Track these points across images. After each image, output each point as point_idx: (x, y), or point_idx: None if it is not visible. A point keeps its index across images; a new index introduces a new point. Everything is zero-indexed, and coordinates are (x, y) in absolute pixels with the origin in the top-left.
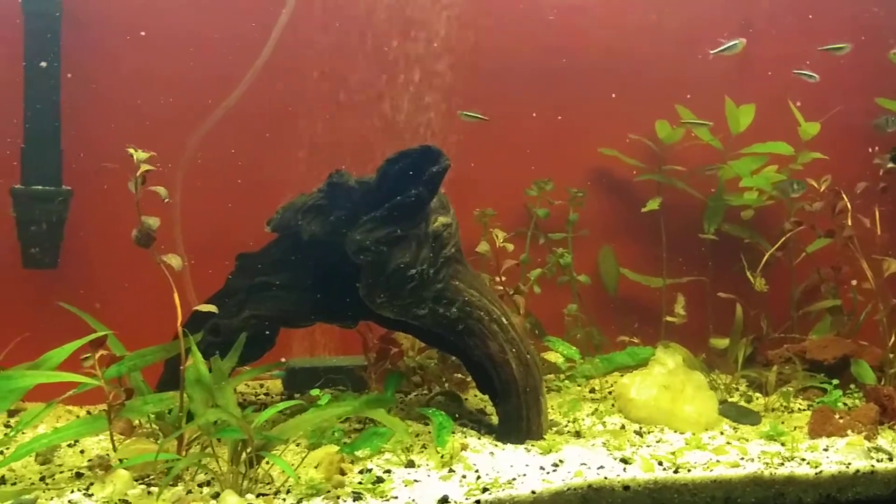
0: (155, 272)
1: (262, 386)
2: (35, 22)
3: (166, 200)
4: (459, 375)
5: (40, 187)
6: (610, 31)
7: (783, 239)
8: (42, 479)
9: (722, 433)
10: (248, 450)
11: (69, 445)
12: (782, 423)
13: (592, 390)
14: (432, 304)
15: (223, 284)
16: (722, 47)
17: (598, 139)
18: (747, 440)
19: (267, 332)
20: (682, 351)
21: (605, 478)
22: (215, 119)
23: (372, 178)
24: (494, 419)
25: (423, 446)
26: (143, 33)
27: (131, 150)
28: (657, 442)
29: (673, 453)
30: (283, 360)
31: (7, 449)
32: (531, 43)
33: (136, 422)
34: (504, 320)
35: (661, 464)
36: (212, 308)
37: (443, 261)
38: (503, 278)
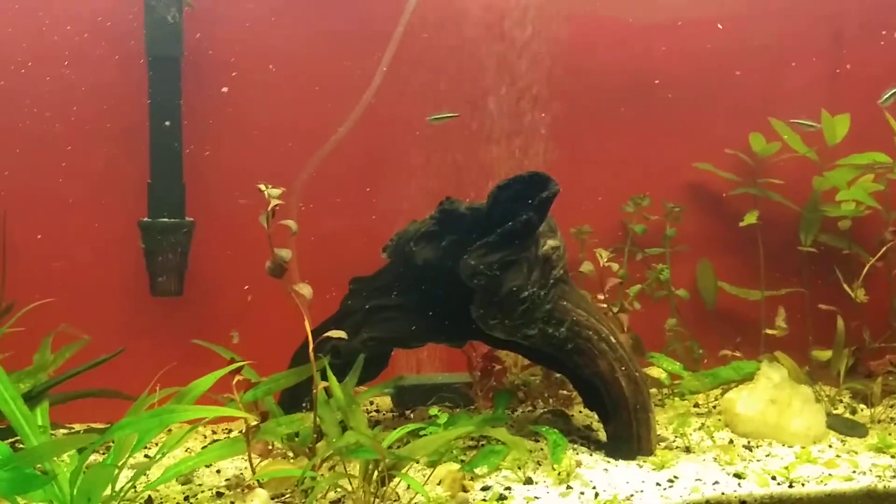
0: (273, 297)
1: (371, 403)
2: (159, 65)
3: (294, 233)
4: (564, 392)
5: (166, 219)
6: (703, 47)
7: (884, 249)
8: (186, 498)
9: (830, 446)
10: (380, 469)
11: (206, 465)
12: (889, 434)
13: (696, 405)
14: (542, 324)
15: (339, 307)
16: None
17: (692, 154)
18: (857, 453)
19: (382, 353)
20: (788, 363)
21: (723, 493)
22: (325, 151)
23: (482, 205)
24: (602, 435)
25: (538, 463)
26: (270, 69)
27: (262, 187)
28: (767, 456)
29: (786, 468)
30: (401, 377)
31: (150, 470)
32: (626, 60)
33: (270, 443)
34: (612, 339)
35: (774, 478)
36: (341, 334)
37: (552, 282)
38: (606, 296)
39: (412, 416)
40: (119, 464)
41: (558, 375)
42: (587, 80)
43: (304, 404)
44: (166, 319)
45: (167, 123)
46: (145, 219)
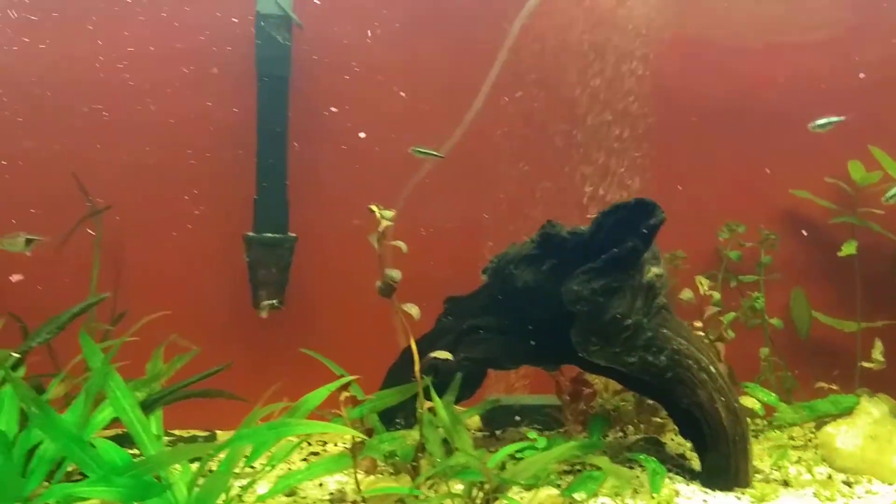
0: (370, 313)
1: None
2: (267, 85)
3: (404, 252)
4: (657, 419)
5: (270, 235)
6: (801, 72)
7: None
8: None
9: None
10: (484, 490)
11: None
12: None
13: (791, 437)
14: (642, 351)
15: (433, 326)
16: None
17: (789, 180)
18: None
19: (477, 374)
20: (889, 401)
21: None
22: (425, 171)
23: (583, 229)
24: (695, 464)
25: (636, 491)
26: (373, 88)
27: (374, 208)
28: (867, 493)
29: None
30: (497, 398)
31: (253, 483)
32: (723, 84)
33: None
34: (712, 368)
35: None
36: (447, 355)
37: (654, 310)
38: (702, 324)
39: (501, 436)
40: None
41: (651, 402)
42: (683, 103)
43: (397, 421)
44: (265, 331)
45: (272, 141)
46: (250, 233)
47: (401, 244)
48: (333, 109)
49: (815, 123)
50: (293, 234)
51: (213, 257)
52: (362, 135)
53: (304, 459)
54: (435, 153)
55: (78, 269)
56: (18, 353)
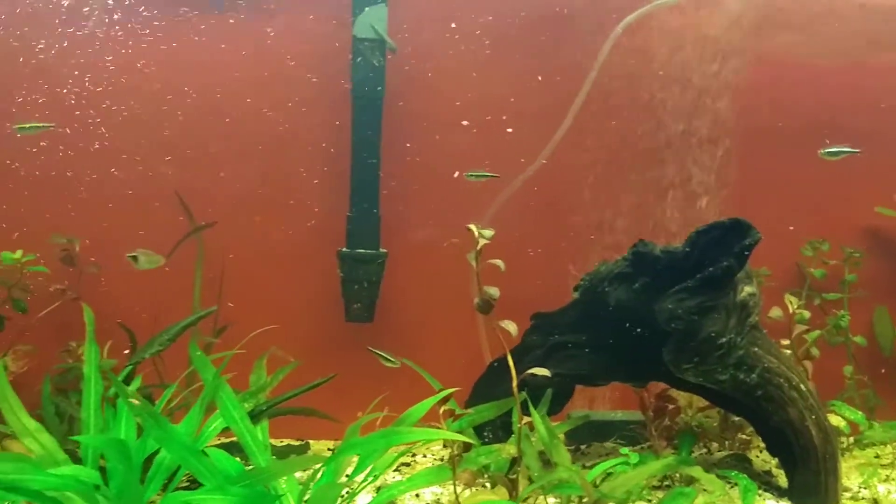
0: (455, 327)
1: None
2: (363, 106)
3: (502, 271)
4: (743, 436)
5: (362, 250)
6: (888, 90)
7: None
8: None
9: None
10: None
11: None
12: None
13: (876, 456)
14: (734, 370)
15: (520, 341)
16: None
17: (873, 198)
18: None
19: (565, 390)
20: None
21: None
22: (512, 189)
23: (677, 248)
24: (782, 481)
25: None
26: (464, 123)
27: (473, 227)
28: None
29: None
30: (588, 413)
31: (356, 493)
32: (806, 101)
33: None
34: (802, 387)
35: None
36: (545, 372)
37: (747, 329)
38: (789, 342)
39: (586, 450)
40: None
41: (737, 419)
42: (765, 120)
43: (485, 434)
44: (355, 345)
45: (366, 159)
46: (344, 249)
47: (499, 262)
48: (436, 137)
49: (826, 150)
50: (384, 250)
51: (308, 272)
52: (456, 174)
53: (396, 470)
54: (490, 174)
55: (179, 283)
56: (131, 364)
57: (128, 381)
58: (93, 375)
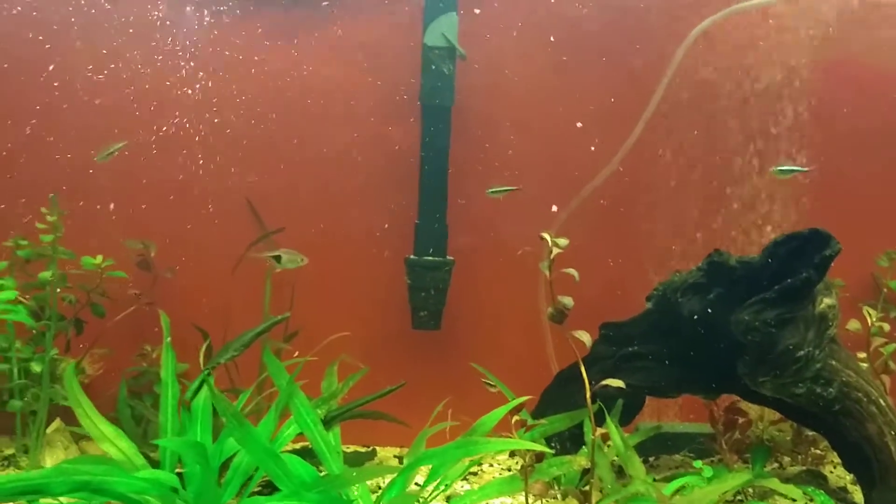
0: (521, 335)
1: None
2: (432, 114)
3: (577, 281)
4: (817, 451)
5: (430, 258)
6: None
7: None
8: None
9: None
10: None
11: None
12: None
13: None
14: (811, 383)
15: (588, 350)
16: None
17: None
18: None
19: (635, 401)
20: None
21: None
22: (582, 197)
23: (753, 258)
24: (857, 497)
25: None
26: (531, 115)
27: (546, 235)
28: None
29: None
30: (658, 424)
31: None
32: (880, 109)
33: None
34: (881, 402)
35: None
36: (619, 383)
37: (825, 342)
38: (865, 355)
39: (655, 463)
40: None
41: (811, 433)
42: (836, 129)
43: (552, 444)
44: (422, 352)
45: (434, 168)
46: (411, 256)
47: (573, 272)
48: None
49: (777, 168)
50: (451, 258)
51: (376, 279)
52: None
53: (464, 479)
54: (511, 188)
55: (250, 287)
56: (207, 369)
57: (202, 385)
58: (170, 380)
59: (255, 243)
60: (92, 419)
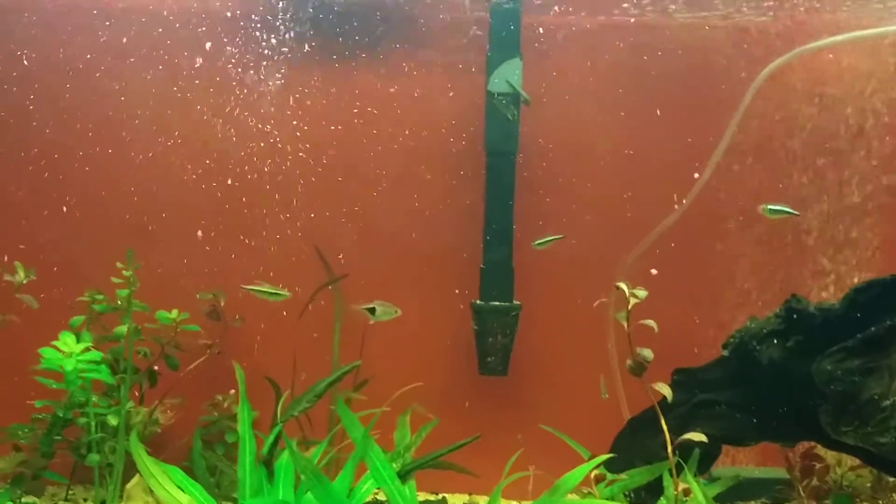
0: (589, 380)
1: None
2: (496, 160)
3: (656, 332)
4: None
5: (497, 303)
6: None
7: None
8: None
9: None
10: None
11: None
12: None
13: None
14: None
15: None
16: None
17: None
18: None
19: (712, 450)
20: None
21: None
22: (652, 238)
23: (833, 305)
24: None
25: None
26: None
27: (623, 286)
28: None
29: None
30: (737, 472)
31: None
32: None
33: None
34: None
35: None
36: (701, 437)
37: None
38: None
39: None
40: None
41: (892, 479)
42: None
43: (626, 495)
44: (489, 398)
45: (499, 214)
46: (478, 301)
47: (651, 323)
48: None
49: (769, 207)
50: (518, 303)
51: (441, 324)
52: (597, 302)
53: None
54: (555, 237)
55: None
56: (281, 422)
57: (278, 438)
58: (247, 435)
59: (321, 290)
60: (167, 489)
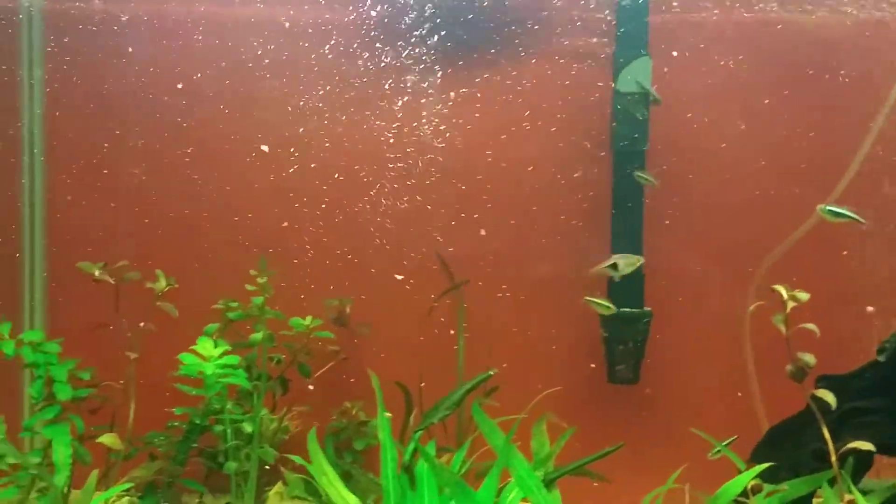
0: (723, 388)
1: None
2: (625, 159)
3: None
4: None
5: (627, 309)
6: None
7: None
8: None
9: None
10: None
11: None
12: None
13: None
14: None
15: (804, 407)
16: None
17: None
18: None
19: (864, 460)
20: None
21: None
22: (795, 238)
23: None
24: None
25: None
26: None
27: (780, 289)
28: None
29: None
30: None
31: None
32: None
33: None
34: None
35: None
36: (869, 446)
37: None
38: None
39: None
40: None
41: None
42: None
43: None
44: (620, 407)
45: (629, 220)
46: None
47: (813, 327)
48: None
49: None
50: (649, 309)
51: (568, 331)
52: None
53: None
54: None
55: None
56: (420, 430)
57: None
58: (388, 442)
59: (442, 296)
60: (336, 488)
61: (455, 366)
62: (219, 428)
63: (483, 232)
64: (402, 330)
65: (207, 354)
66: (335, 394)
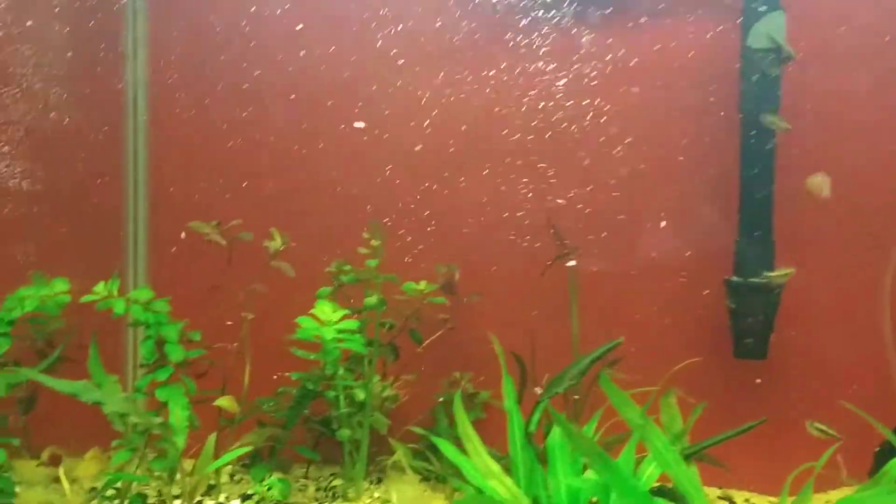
0: (859, 371)
1: None
2: (753, 117)
3: None
4: None
5: (756, 279)
6: None
7: None
8: None
9: None
10: None
11: None
12: None
13: None
14: None
15: None
16: None
17: None
18: None
19: None
20: None
21: None
22: None
23: None
24: None
25: None
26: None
27: None
28: None
29: None
30: None
31: None
32: None
33: None
34: None
35: None
36: None
37: None
38: None
39: None
40: None
41: None
42: None
43: None
44: (744, 383)
45: (759, 179)
46: (734, 277)
47: None
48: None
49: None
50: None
51: (690, 302)
52: None
53: None
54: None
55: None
56: (544, 399)
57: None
58: (514, 409)
59: (554, 262)
60: (482, 456)
61: (567, 341)
62: (331, 394)
63: (602, 201)
64: (513, 303)
65: (326, 319)
66: (441, 364)
